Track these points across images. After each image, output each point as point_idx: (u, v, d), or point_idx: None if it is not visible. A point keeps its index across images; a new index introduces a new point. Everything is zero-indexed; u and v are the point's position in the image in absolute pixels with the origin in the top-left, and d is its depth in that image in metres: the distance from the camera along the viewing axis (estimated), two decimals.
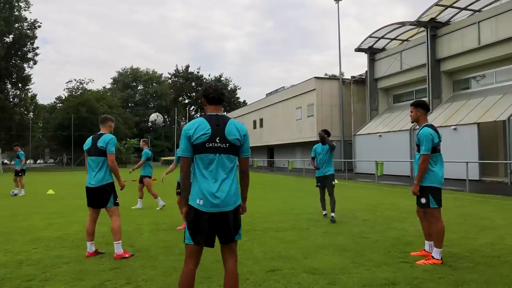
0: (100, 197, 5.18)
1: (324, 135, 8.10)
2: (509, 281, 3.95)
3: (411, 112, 5.00)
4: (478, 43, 20.96)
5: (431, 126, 4.85)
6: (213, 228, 2.85)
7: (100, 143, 5.16)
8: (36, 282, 4.14)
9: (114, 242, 5.11)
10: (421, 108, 4.92)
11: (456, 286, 3.84)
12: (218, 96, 3.01)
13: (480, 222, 7.39)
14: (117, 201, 5.28)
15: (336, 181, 7.97)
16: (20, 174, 13.99)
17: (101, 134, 5.26)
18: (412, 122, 5.15)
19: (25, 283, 4.11)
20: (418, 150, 4.83)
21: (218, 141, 2.86)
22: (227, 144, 2.89)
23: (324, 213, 8.16)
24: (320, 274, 4.25)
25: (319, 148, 8.17)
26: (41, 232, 6.95)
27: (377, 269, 4.44)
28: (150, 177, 10.20)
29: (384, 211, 9.05)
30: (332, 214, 7.73)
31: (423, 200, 4.75)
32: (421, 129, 4.83)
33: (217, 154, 2.86)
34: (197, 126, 2.87)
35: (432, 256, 4.68)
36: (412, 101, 5.08)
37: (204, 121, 2.91)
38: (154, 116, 9.18)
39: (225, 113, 67.10)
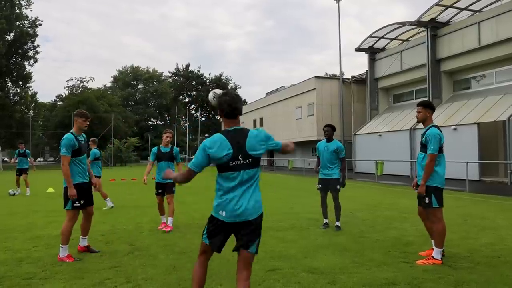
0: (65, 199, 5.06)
1: (332, 131, 7.07)
2: (509, 281, 3.95)
3: (419, 112, 4.96)
4: (478, 43, 20.94)
5: (437, 127, 4.87)
6: (228, 235, 3.01)
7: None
8: (36, 280, 4.14)
9: (61, 245, 4.96)
10: (430, 109, 4.94)
11: (456, 286, 3.84)
12: (232, 111, 2.90)
13: (480, 222, 7.38)
14: (76, 205, 5.00)
15: (338, 187, 6.98)
16: (27, 172, 13.94)
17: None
18: (418, 122, 5.12)
19: (25, 281, 4.11)
20: (423, 150, 4.84)
21: (240, 158, 2.85)
22: (250, 160, 2.88)
23: (324, 222, 7.07)
24: (320, 273, 4.25)
25: (321, 146, 7.06)
26: (41, 230, 6.95)
27: (377, 269, 4.44)
28: (99, 177, 9.94)
29: (384, 210, 9.04)
30: (337, 223, 6.89)
31: (426, 200, 4.76)
32: (428, 129, 4.84)
33: (241, 171, 2.87)
34: (219, 145, 2.84)
35: (433, 256, 4.68)
36: (419, 101, 5.06)
37: (224, 139, 2.86)
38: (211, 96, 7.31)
39: None
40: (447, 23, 23.50)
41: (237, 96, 2.94)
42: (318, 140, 7.31)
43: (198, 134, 65.31)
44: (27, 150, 14.17)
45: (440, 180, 4.75)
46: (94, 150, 10.09)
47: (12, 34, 45.44)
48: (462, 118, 19.88)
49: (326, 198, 7.09)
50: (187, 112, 71.11)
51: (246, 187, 2.89)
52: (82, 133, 5.32)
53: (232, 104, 2.88)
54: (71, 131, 5.14)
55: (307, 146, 36.38)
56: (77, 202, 5.00)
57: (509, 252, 5.15)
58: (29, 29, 46.69)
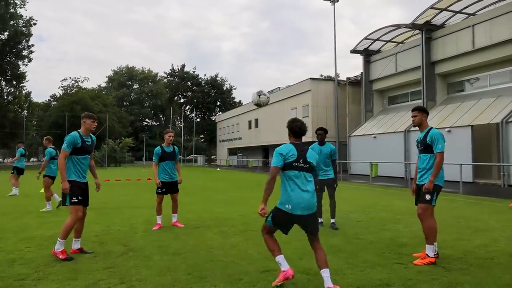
0: (63, 195, 5.19)
1: (324, 135, 7.34)
2: (502, 283, 3.98)
3: (415, 116, 5.15)
4: (472, 46, 21.10)
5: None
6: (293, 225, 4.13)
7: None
8: (29, 281, 4.10)
9: (58, 238, 5.00)
10: (425, 113, 5.16)
11: (449, 287, 3.86)
12: (302, 132, 4.21)
13: (473, 224, 7.43)
14: (73, 200, 5.06)
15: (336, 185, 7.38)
16: (13, 171, 13.77)
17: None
18: (415, 126, 5.27)
19: (18, 282, 4.07)
20: (424, 151, 4.98)
21: (301, 162, 3.99)
22: (308, 165, 4.03)
23: (319, 221, 7.16)
24: (314, 274, 4.25)
25: (315, 149, 7.21)
26: (34, 231, 6.90)
27: (371, 270, 4.45)
28: (52, 177, 9.81)
29: (378, 212, 9.07)
30: (332, 220, 7.18)
31: (427, 197, 4.84)
32: (429, 130, 5.00)
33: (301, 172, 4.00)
34: (289, 150, 4.01)
35: (427, 254, 4.73)
36: (414, 106, 5.26)
37: (292, 147, 4.06)
38: (256, 98, 6.36)
39: (220, 113, 66.47)
40: (442, 26, 23.67)
41: (303, 123, 4.23)
42: (313, 142, 7.39)
43: (193, 135, 65.22)
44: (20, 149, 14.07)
45: (442, 180, 4.93)
46: (50, 149, 9.90)
47: (6, 33, 45.12)
48: (456, 121, 20.01)
49: (321, 198, 7.21)
50: (182, 113, 70.96)
51: (307, 187, 4.17)
52: (91, 135, 5.42)
53: (302, 128, 4.20)
54: (78, 130, 5.27)
55: None
56: (74, 198, 5.05)
57: (502, 253, 5.19)
58: (23, 29, 46.36)
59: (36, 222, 7.75)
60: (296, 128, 4.17)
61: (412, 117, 5.21)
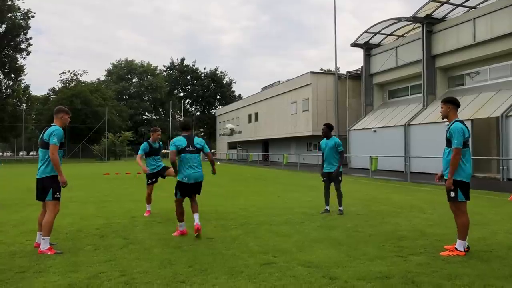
0: (40, 189, 5.08)
1: (328, 130, 8.09)
2: (500, 275, 4.00)
3: (442, 108, 5.09)
4: (473, 39, 21.02)
5: (462, 122, 4.95)
6: None
7: (45, 135, 5.05)
8: (30, 274, 4.12)
9: (42, 237, 4.96)
10: (451, 104, 5.03)
11: (449, 279, 3.88)
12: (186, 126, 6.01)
13: (473, 217, 7.39)
14: (56, 196, 5.03)
15: (340, 178, 8.04)
16: None
17: (50, 126, 5.11)
18: (443, 118, 5.19)
19: (18, 275, 4.09)
20: (448, 145, 4.92)
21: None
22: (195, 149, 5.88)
23: (325, 208, 8.01)
24: (315, 267, 4.27)
25: (323, 143, 8.14)
26: (34, 224, 6.87)
27: (371, 262, 4.47)
28: None
29: (378, 205, 9.10)
30: (340, 208, 7.89)
31: (451, 194, 4.84)
32: (452, 124, 4.92)
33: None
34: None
35: (456, 248, 4.77)
36: (443, 98, 5.24)
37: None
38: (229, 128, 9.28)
39: (220, 106, 66.43)
40: (443, 19, 23.55)
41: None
42: (313, 136, 8.01)
43: (193, 129, 65.19)
44: None
45: (465, 175, 4.85)
46: None
47: (4, 26, 44.90)
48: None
49: (328, 187, 8.08)
50: (182, 107, 70.83)
51: None
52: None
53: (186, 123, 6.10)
54: (56, 125, 5.18)
55: (302, 141, 36.45)
56: (57, 194, 5.03)
57: (501, 246, 5.21)
58: (21, 21, 46.09)
59: (36, 216, 7.74)
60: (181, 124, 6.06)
61: (440, 108, 5.16)
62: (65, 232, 6.24)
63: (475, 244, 5.31)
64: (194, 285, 3.76)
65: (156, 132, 8.05)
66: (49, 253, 4.83)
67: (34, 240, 5.59)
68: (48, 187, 5.02)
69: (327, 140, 8.06)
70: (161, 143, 8.21)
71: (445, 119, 5.13)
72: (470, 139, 5.02)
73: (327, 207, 8.02)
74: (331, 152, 7.98)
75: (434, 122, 20.79)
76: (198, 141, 5.98)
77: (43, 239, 4.94)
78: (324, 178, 8.15)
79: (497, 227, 6.52)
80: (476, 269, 4.19)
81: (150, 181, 7.95)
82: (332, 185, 8.04)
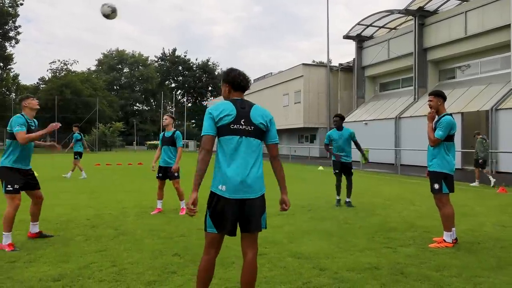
0: None
1: (340, 121, 7.95)
2: (487, 266, 4.07)
3: (430, 101, 5.11)
4: (464, 33, 21.14)
5: (451, 115, 5.06)
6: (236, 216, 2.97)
7: (8, 126, 4.91)
8: (20, 264, 4.10)
9: (3, 232, 4.73)
10: (441, 98, 5.11)
11: (437, 270, 3.94)
12: (245, 84, 3.06)
13: (460, 209, 7.55)
14: (8, 188, 4.80)
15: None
16: (76, 157, 13.71)
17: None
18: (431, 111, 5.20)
19: (9, 265, 4.07)
20: None
21: (243, 123, 2.90)
22: (252, 127, 2.93)
23: (337, 199, 7.99)
24: (305, 258, 4.31)
25: (335, 134, 7.95)
26: (24, 214, 6.83)
27: (361, 254, 4.52)
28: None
29: (368, 198, 9.18)
30: (348, 199, 7.86)
31: (436, 186, 4.93)
32: (442, 116, 5.01)
33: (243, 137, 2.88)
34: (222, 109, 2.88)
35: (444, 240, 4.86)
36: (431, 91, 5.23)
37: (230, 104, 2.93)
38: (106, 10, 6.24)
39: (212, 98, 65.80)
40: (435, 12, 23.62)
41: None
42: (305, 128, 7.82)
43: (185, 120, 64.88)
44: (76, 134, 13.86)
45: (450, 167, 5.03)
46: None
47: None
48: (447, 108, 19.97)
49: (341, 179, 8.04)
50: (174, 98, 70.42)
51: (251, 160, 3.08)
52: (34, 119, 5.18)
53: (247, 78, 3.10)
54: (22, 113, 5.00)
55: (294, 133, 36.52)
56: (9, 186, 4.80)
57: (488, 238, 5.31)
58: (9, 9, 45.20)
59: (26, 206, 7.68)
60: (239, 78, 3.02)
61: (428, 101, 5.17)
62: (56, 222, 6.21)
63: (463, 235, 5.40)
64: (185, 276, 3.77)
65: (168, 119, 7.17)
66: (6, 250, 4.56)
67: (24, 230, 5.57)
68: (1, 179, 4.84)
69: (341, 131, 7.93)
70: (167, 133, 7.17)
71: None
72: (459, 133, 5.11)
73: (339, 197, 8.01)
74: (345, 143, 7.91)
75: (425, 115, 20.80)
76: (262, 113, 3.09)
77: (3, 234, 4.70)
78: (337, 170, 8.03)
79: (484, 219, 6.63)
80: (463, 260, 4.27)
81: (157, 174, 7.18)
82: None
